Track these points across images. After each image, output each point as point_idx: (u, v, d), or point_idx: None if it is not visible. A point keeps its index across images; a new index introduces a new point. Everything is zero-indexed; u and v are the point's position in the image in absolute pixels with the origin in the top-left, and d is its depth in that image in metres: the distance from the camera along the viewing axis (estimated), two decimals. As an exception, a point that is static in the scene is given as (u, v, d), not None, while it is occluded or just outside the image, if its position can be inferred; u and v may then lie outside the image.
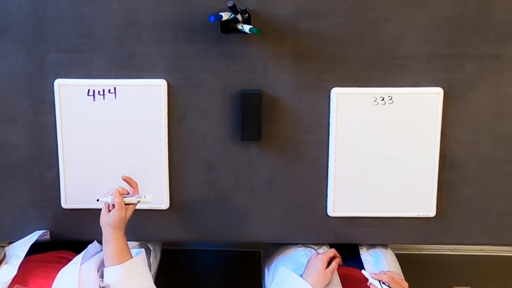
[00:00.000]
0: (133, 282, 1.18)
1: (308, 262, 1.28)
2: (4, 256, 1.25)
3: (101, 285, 1.17)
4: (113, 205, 1.16)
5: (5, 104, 1.31)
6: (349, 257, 1.37)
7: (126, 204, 1.17)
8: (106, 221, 1.17)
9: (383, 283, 1.17)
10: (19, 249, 1.26)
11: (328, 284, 1.23)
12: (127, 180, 1.23)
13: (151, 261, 1.40)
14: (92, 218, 1.33)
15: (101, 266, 1.21)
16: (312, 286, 1.20)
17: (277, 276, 1.30)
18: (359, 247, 1.41)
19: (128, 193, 1.19)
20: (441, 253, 2.02)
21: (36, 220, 1.36)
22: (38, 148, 1.33)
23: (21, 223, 1.36)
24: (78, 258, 1.23)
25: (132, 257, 1.19)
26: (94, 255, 1.27)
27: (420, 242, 1.41)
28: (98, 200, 1.18)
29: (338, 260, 1.28)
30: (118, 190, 1.17)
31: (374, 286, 1.17)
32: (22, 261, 1.21)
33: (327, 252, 1.28)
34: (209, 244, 2.04)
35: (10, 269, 1.15)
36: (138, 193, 1.21)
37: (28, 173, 1.34)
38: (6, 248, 1.31)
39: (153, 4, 1.27)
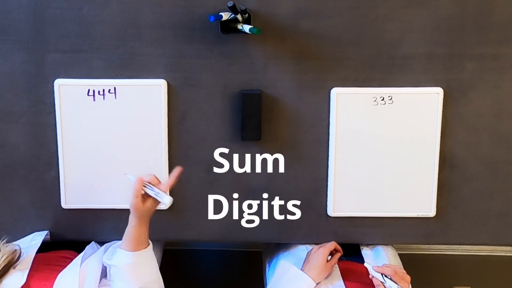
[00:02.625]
0: (141, 271, 1.18)
1: (307, 255, 1.28)
2: (19, 256, 1.22)
3: (106, 263, 1.18)
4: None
5: (5, 104, 1.31)
6: (349, 252, 1.37)
7: (146, 196, 1.13)
8: (129, 204, 1.14)
9: (386, 276, 1.16)
10: (25, 253, 1.24)
11: (328, 277, 1.24)
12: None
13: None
14: (92, 218, 1.34)
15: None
16: (313, 279, 1.20)
17: (277, 270, 1.31)
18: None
19: (153, 185, 1.14)
20: (441, 253, 2.01)
21: (36, 220, 1.36)
22: (38, 148, 1.33)
23: (21, 223, 1.36)
24: (77, 260, 1.23)
25: (146, 247, 1.19)
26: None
27: (420, 242, 1.41)
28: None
29: (338, 254, 1.28)
30: (141, 178, 1.13)
31: (376, 279, 1.17)
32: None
33: (327, 245, 1.28)
34: (210, 244, 2.03)
35: (19, 277, 1.16)
36: (163, 191, 1.13)
37: (28, 173, 1.34)
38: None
39: (153, 4, 1.27)
